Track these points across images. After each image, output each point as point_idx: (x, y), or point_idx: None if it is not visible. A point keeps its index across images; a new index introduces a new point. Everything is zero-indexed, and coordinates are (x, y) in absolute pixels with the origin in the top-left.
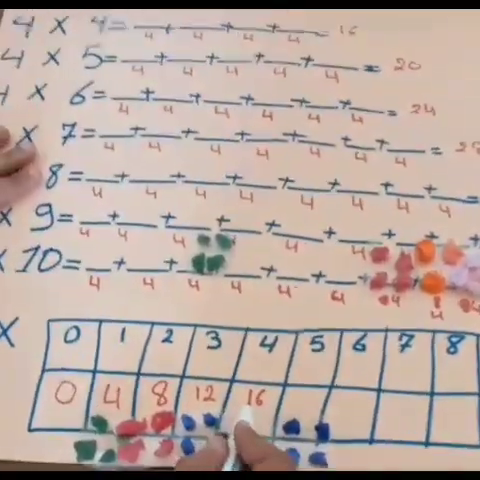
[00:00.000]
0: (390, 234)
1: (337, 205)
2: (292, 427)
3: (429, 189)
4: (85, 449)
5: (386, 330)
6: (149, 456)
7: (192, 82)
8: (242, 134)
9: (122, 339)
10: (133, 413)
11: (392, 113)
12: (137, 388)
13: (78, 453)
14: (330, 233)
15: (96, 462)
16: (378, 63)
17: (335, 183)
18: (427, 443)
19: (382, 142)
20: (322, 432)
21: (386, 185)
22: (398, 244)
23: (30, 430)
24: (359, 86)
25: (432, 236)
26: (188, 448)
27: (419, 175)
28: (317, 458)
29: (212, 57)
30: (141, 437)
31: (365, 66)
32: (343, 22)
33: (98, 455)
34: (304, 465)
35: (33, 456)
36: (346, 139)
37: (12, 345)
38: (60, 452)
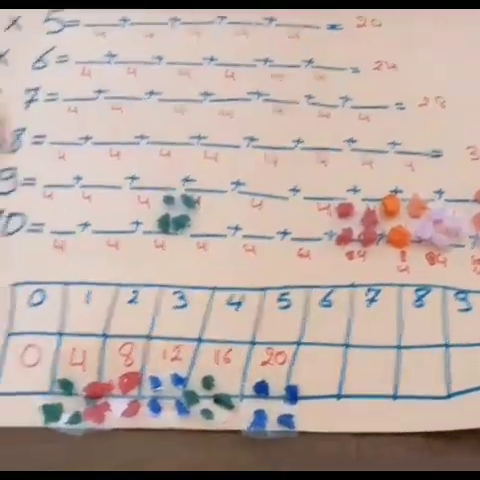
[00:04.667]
0: (355, 190)
1: (302, 163)
2: (261, 388)
3: (393, 144)
4: (51, 412)
5: (353, 285)
6: (116, 417)
7: (154, 44)
8: (206, 94)
9: (87, 301)
10: (100, 375)
11: (355, 70)
12: (103, 350)
13: (45, 416)
14: (295, 190)
15: (62, 424)
16: (340, 21)
17: (299, 141)
18: (395, 396)
19: (345, 99)
20: (291, 393)
21: (350, 141)
22: (363, 200)
23: None
24: (322, 44)
25: (397, 191)
26: (155, 408)
27: (383, 131)
28: (285, 420)
29: (175, 19)
30: (108, 398)
31: (327, 25)
32: None
33: (65, 418)
34: (272, 426)
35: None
36: (309, 97)
37: None
38: (27, 416)
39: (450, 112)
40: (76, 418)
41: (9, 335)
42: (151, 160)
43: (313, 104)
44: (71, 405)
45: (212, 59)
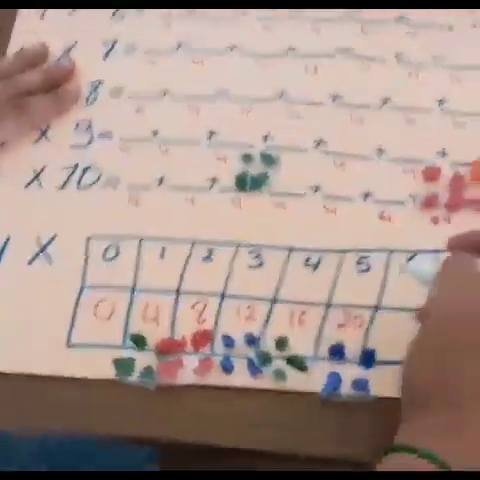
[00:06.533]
0: (443, 153)
1: (389, 123)
2: (337, 351)
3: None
4: (124, 366)
5: (436, 251)
6: (188, 374)
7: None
8: (289, 49)
9: (162, 257)
10: (172, 331)
11: (450, 28)
12: (177, 306)
13: (117, 369)
14: (380, 151)
15: (135, 378)
16: None
17: (387, 100)
18: None
19: (437, 57)
20: (367, 358)
21: (441, 102)
22: (452, 164)
23: (69, 346)
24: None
25: None
26: (227, 366)
27: (476, 91)
28: (360, 384)
29: None
30: (180, 355)
31: None
32: None
33: (137, 372)
34: (346, 390)
35: (72, 371)
36: (399, 54)
37: (51, 262)
38: (99, 368)
39: None
40: (149, 373)
41: (83, 288)
42: (231, 116)
43: (402, 62)
44: (144, 360)
45: (298, 13)
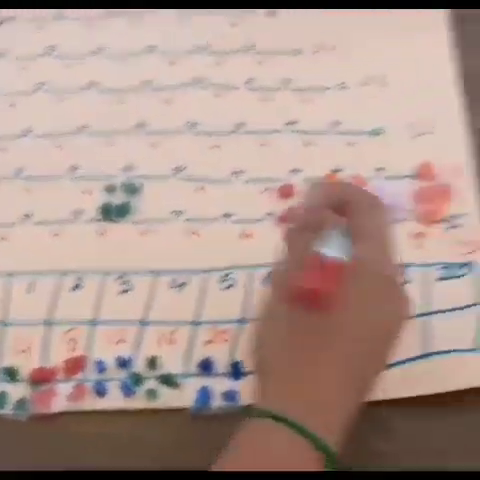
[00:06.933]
0: (296, 171)
1: (243, 146)
2: (205, 366)
3: (334, 124)
4: None
5: None
6: (61, 401)
7: (94, 36)
8: (146, 82)
9: (31, 289)
10: (44, 361)
11: (297, 52)
12: (48, 336)
13: None
14: (237, 173)
15: (7, 411)
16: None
17: (241, 125)
18: None
19: (286, 81)
20: (235, 370)
21: (291, 123)
22: (305, 180)
23: None
24: (261, 30)
25: (337, 170)
26: (100, 390)
27: (324, 111)
28: (230, 396)
29: (111, 14)
30: (53, 383)
31: (265, 12)
32: None
33: (10, 404)
34: (217, 402)
35: None
36: (250, 81)
37: None
38: None
39: (391, 91)
40: (23, 404)
41: None
42: (93, 149)
43: (254, 89)
44: (17, 391)
45: (154, 48)
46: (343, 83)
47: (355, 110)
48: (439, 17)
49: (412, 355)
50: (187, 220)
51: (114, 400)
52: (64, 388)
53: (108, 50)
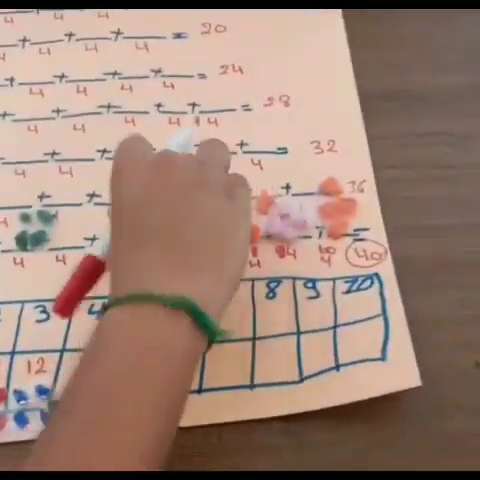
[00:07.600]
0: None
1: None
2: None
3: (241, 145)
4: None
5: None
6: None
7: (6, 66)
8: (58, 111)
9: None
10: None
11: (202, 76)
12: None
13: None
14: None
15: None
16: (185, 30)
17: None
18: (252, 386)
19: (194, 105)
20: None
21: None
22: None
23: None
24: (169, 54)
25: None
26: (21, 421)
27: (231, 133)
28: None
29: (24, 40)
30: None
31: (173, 34)
32: None
33: None
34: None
35: None
36: (159, 105)
37: None
38: None
39: (294, 110)
40: None
41: None
42: (6, 180)
43: (163, 112)
44: None
45: (63, 76)
46: (247, 105)
47: (260, 131)
48: (335, 17)
49: (321, 368)
50: (103, 246)
51: (36, 430)
52: None
53: (18, 80)
